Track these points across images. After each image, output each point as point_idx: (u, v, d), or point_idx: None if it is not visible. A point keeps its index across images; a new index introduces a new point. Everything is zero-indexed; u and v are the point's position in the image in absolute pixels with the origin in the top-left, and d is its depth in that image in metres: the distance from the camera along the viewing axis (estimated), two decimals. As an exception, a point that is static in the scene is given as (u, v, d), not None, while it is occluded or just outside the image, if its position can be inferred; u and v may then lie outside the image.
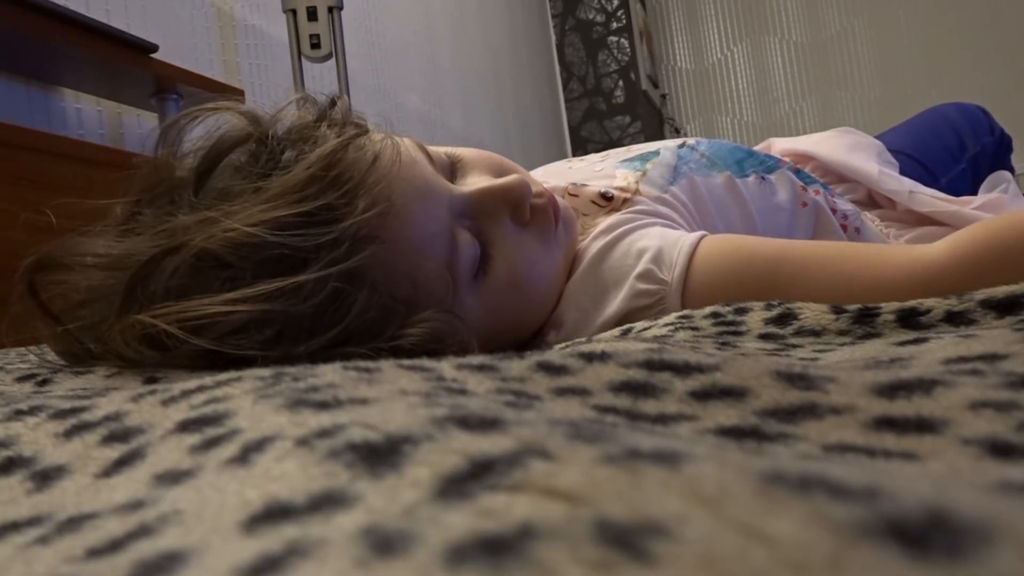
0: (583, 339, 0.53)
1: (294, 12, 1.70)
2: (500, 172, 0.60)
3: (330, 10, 1.71)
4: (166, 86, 1.40)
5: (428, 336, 0.49)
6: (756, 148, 0.90)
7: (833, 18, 4.63)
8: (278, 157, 0.49)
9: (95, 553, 0.13)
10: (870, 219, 0.84)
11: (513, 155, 3.49)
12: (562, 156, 4.13)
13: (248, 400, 0.18)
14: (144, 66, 1.32)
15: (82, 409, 0.21)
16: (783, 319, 0.42)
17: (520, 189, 0.57)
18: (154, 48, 1.30)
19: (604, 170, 0.75)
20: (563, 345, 0.54)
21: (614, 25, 4.27)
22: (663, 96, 4.81)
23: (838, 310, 0.41)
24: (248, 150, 0.50)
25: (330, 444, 0.14)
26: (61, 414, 0.21)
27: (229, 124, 0.52)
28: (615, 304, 0.59)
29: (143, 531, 0.13)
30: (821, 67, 4.65)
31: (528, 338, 0.64)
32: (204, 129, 0.52)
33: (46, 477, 0.18)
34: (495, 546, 0.10)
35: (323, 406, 0.17)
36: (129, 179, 0.52)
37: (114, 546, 0.13)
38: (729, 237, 0.62)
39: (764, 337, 0.41)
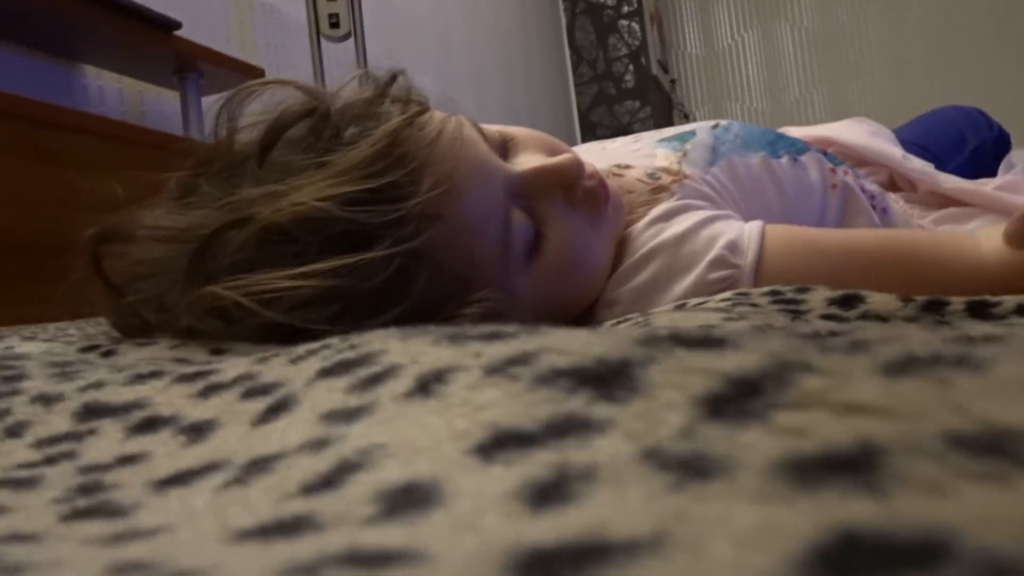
0: (636, 315, 0.53)
1: (313, -8, 1.69)
2: (552, 151, 0.60)
3: (348, -9, 1.70)
4: (187, 64, 1.39)
5: (485, 315, 0.50)
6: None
7: (845, 5, 4.60)
8: (341, 133, 0.49)
9: (312, 488, 0.13)
10: (894, 200, 0.84)
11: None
12: (571, 141, 4.12)
13: (394, 339, 0.18)
14: (166, 44, 1.32)
15: (209, 372, 0.22)
16: (848, 301, 0.42)
17: (573, 168, 0.58)
18: (177, 25, 1.29)
19: (642, 150, 0.75)
20: (615, 321, 0.54)
21: (625, 9, 4.25)
22: (672, 81, 4.79)
23: (906, 299, 0.41)
24: (309, 125, 0.50)
25: (532, 371, 0.14)
26: (186, 378, 0.22)
27: (289, 99, 0.52)
28: (682, 288, 0.60)
29: (353, 465, 0.13)
30: (832, 55, 4.62)
31: (575, 318, 0.64)
32: (261, 105, 0.52)
33: (198, 430, 0.18)
34: (842, 465, 0.10)
35: (491, 337, 0.17)
36: (183, 154, 0.52)
37: (329, 481, 0.13)
38: (792, 229, 0.63)
39: (827, 318, 0.41)
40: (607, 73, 4.25)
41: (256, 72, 1.49)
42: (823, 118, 4.62)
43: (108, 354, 0.42)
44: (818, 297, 0.44)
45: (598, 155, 0.77)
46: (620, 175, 0.70)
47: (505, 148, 0.59)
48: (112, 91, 1.43)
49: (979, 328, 0.34)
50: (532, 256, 0.56)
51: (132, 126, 1.33)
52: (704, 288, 0.59)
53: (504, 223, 0.53)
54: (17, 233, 1.04)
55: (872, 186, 0.82)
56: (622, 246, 0.64)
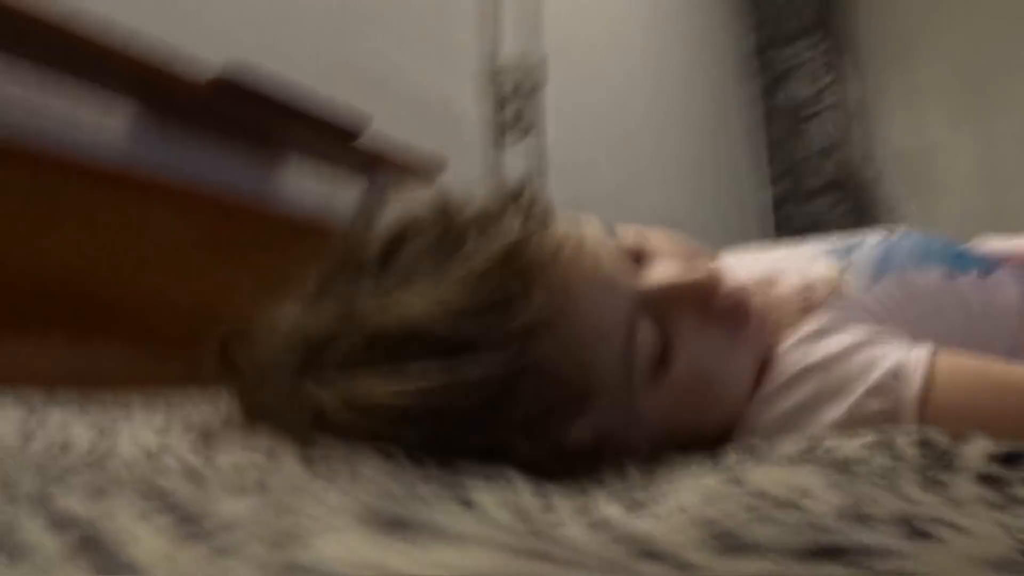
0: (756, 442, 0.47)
1: (498, 96, 1.77)
2: (690, 260, 0.57)
3: (532, 89, 1.76)
4: (373, 164, 1.49)
5: (594, 432, 0.47)
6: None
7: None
8: (462, 244, 0.48)
9: None
10: None
11: (710, 233, 3.40)
12: (762, 236, 3.98)
13: None
14: (354, 145, 1.42)
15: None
16: (1013, 459, 0.35)
17: (709, 284, 0.54)
18: (360, 131, 1.39)
19: (804, 259, 0.69)
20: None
21: (825, 101, 4.10)
22: (876, 178, 4.53)
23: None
24: (437, 232, 0.50)
25: None
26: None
27: (421, 206, 0.53)
28: (833, 416, 0.53)
29: None
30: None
31: (712, 442, 0.59)
32: (402, 209, 0.54)
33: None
34: None
35: None
36: (324, 250, 0.54)
37: None
38: (969, 359, 0.55)
39: (984, 480, 0.34)
40: (803, 167, 4.10)
41: (436, 172, 1.57)
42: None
43: (208, 437, 0.43)
44: (977, 451, 0.37)
45: (759, 260, 0.72)
46: (770, 288, 0.65)
47: (641, 254, 0.56)
48: (308, 186, 1.54)
49: None
50: (659, 374, 0.52)
51: (323, 220, 1.43)
52: (860, 419, 0.52)
53: (628, 336, 0.50)
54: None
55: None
56: (767, 368, 0.58)
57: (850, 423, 0.52)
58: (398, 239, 0.50)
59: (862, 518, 0.23)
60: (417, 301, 0.44)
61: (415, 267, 0.48)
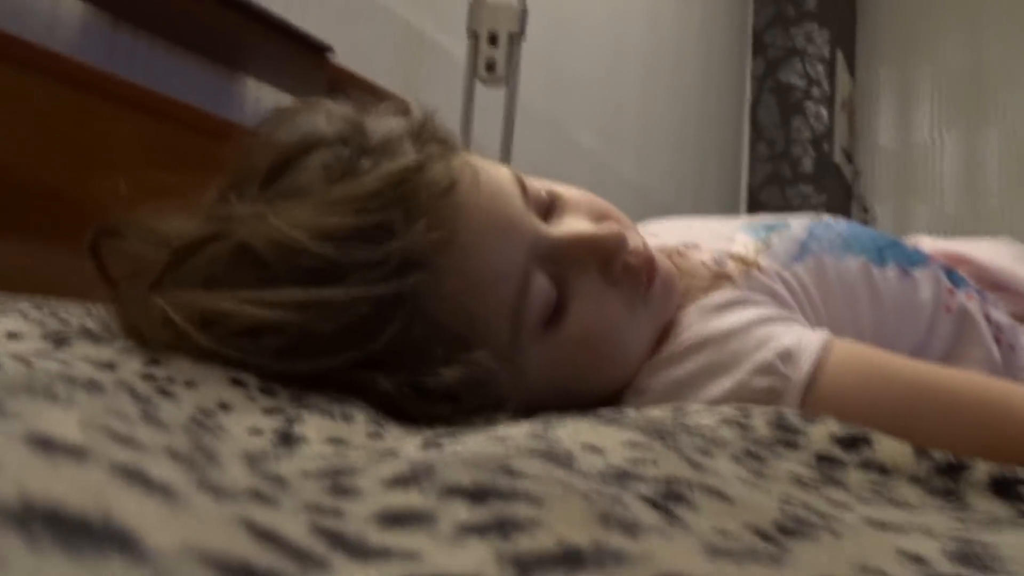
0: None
1: (476, 35, 1.73)
2: (599, 218, 0.56)
3: (511, 37, 1.72)
4: (337, 87, 1.45)
5: (463, 380, 0.45)
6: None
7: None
8: (355, 166, 0.47)
9: None
10: None
11: (684, 208, 3.41)
12: (737, 215, 3.98)
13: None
14: (320, 66, 1.38)
15: None
16: (853, 443, 0.35)
17: (613, 241, 0.52)
18: (328, 49, 1.35)
19: (724, 232, 0.68)
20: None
21: (816, 92, 4.08)
22: (856, 172, 4.54)
23: (922, 452, 0.33)
24: (334, 153, 0.48)
25: None
26: None
27: (331, 123, 0.51)
28: (721, 389, 0.53)
29: None
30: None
31: (600, 403, 0.58)
32: (313, 124, 0.51)
33: None
34: None
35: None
36: (225, 156, 0.52)
37: None
38: (864, 348, 0.55)
39: (823, 459, 0.34)
40: (785, 154, 4.09)
41: (399, 103, 1.53)
42: (1024, 233, 4.21)
43: (61, 343, 0.42)
44: (822, 432, 0.36)
45: (681, 231, 0.71)
46: (684, 256, 0.64)
47: (551, 208, 0.55)
48: (269, 105, 1.51)
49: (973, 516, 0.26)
50: (549, 327, 0.51)
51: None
52: (747, 394, 0.52)
53: (520, 286, 0.49)
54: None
55: (1002, 316, 0.70)
56: (667, 333, 0.58)
57: (737, 398, 0.52)
58: (297, 154, 0.48)
59: (621, 476, 0.22)
60: (294, 217, 0.43)
61: (306, 184, 0.46)
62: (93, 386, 0.30)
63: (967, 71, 4.44)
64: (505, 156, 1.75)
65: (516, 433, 0.30)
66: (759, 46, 4.26)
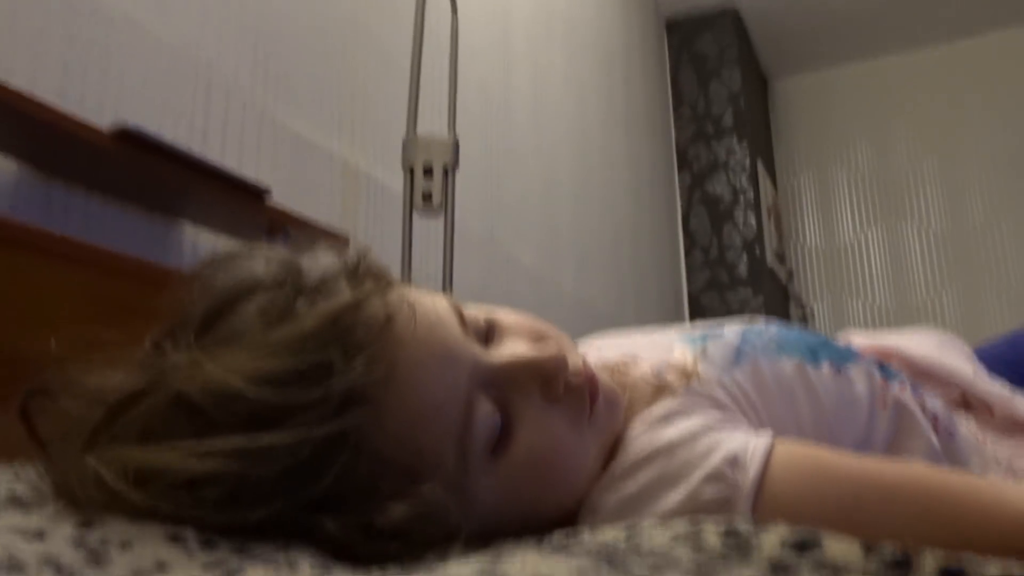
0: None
1: (411, 169, 1.78)
2: (538, 340, 0.56)
3: (446, 168, 1.78)
4: (276, 226, 1.47)
5: (411, 515, 0.44)
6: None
7: (975, 209, 4.45)
8: (291, 309, 0.47)
9: None
10: (964, 423, 0.73)
11: (627, 319, 3.45)
12: (679, 322, 4.06)
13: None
14: (258, 207, 1.40)
15: None
16: (804, 546, 0.35)
17: (553, 363, 0.53)
18: (265, 191, 1.37)
19: (664, 343, 0.69)
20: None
21: (742, 200, 4.27)
22: (789, 273, 4.70)
23: (870, 548, 0.33)
24: (269, 297, 0.48)
25: None
26: None
27: (267, 266, 0.51)
28: (672, 502, 0.53)
29: None
30: (962, 257, 4.43)
31: (555, 525, 0.57)
32: (249, 268, 0.51)
33: None
34: None
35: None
36: (161, 304, 0.52)
37: None
38: (808, 447, 0.56)
39: (773, 567, 0.34)
40: (720, 260, 4.23)
41: (339, 238, 1.55)
42: (953, 320, 4.37)
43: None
44: (773, 539, 0.36)
45: (620, 345, 0.72)
46: (624, 372, 0.65)
47: (489, 333, 0.55)
48: (207, 249, 1.51)
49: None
50: (496, 453, 0.50)
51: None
52: (699, 506, 0.52)
53: (464, 413, 0.48)
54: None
55: (937, 405, 0.72)
56: (615, 449, 0.58)
57: (689, 509, 0.52)
58: (232, 299, 0.48)
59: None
60: (231, 363, 0.42)
61: (242, 329, 0.46)
62: (14, 567, 0.28)
63: (879, 174, 4.73)
64: (447, 278, 1.77)
65: (466, 573, 0.29)
66: (684, 160, 4.47)
